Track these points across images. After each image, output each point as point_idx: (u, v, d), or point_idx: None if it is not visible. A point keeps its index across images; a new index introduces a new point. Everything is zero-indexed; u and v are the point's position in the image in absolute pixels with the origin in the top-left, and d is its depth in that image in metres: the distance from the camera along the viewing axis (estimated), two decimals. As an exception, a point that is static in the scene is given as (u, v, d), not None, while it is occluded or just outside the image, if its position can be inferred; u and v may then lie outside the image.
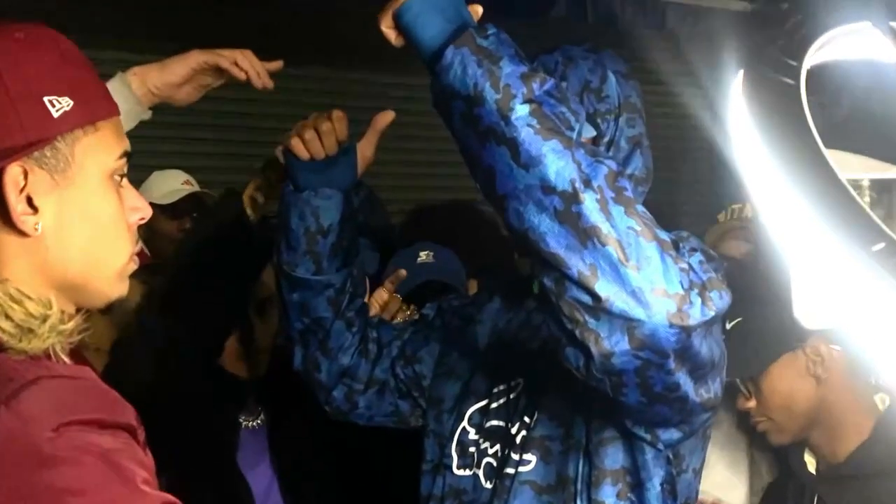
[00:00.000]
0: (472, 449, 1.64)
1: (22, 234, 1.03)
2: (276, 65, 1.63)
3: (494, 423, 1.62)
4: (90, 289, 1.10)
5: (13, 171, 1.02)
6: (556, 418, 1.58)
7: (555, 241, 1.29)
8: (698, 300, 1.31)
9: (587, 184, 1.29)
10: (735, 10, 5.39)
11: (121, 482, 0.92)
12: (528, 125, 1.29)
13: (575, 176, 1.28)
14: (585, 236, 1.27)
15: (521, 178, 1.29)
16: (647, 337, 1.29)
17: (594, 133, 1.53)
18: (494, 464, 1.60)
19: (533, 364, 1.65)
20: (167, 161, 4.15)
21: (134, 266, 1.17)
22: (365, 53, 5.30)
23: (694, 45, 5.95)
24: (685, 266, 1.32)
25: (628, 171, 1.55)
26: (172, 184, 3.83)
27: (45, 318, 1.03)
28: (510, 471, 1.58)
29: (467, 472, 1.64)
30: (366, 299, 1.93)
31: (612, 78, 1.54)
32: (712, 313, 1.32)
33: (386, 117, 1.78)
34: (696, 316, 1.30)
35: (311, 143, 1.70)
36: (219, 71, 1.58)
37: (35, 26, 1.09)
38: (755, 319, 2.11)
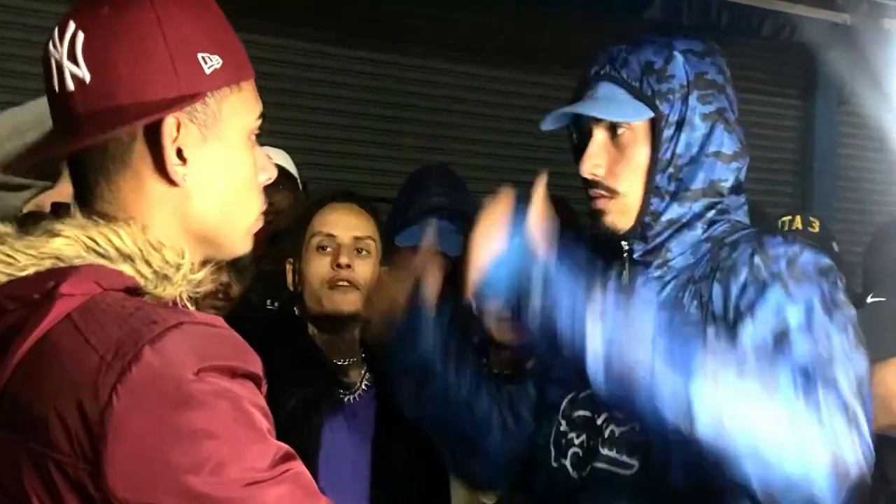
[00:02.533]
0: (563, 441, 1.58)
1: (170, 183, 1.07)
2: None
3: (581, 412, 1.57)
4: (222, 242, 1.13)
5: (169, 122, 1.04)
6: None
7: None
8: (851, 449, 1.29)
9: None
10: (834, 21, 5.31)
11: (250, 429, 0.96)
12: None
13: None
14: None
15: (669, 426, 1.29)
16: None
17: (652, 115, 1.46)
18: (581, 454, 1.54)
19: None
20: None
21: (260, 224, 1.18)
22: (477, 48, 5.31)
23: (790, 54, 5.85)
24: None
25: (712, 148, 1.47)
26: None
27: (178, 267, 1.06)
28: (598, 464, 1.50)
29: (557, 464, 1.58)
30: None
31: (679, 57, 1.46)
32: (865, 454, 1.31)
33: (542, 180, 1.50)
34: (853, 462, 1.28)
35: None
36: None
37: None
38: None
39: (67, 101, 1.04)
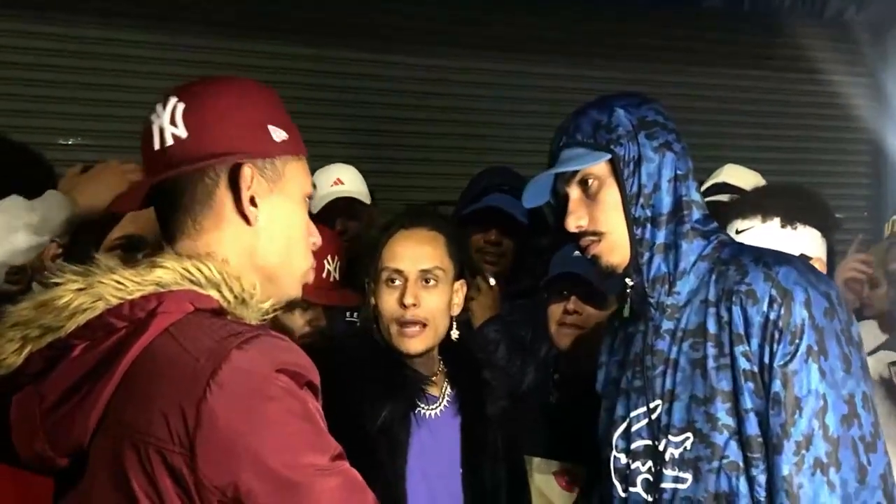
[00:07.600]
0: (627, 472, 1.72)
1: (244, 222, 1.30)
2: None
3: (640, 443, 1.72)
4: (281, 282, 1.34)
5: (245, 170, 1.29)
6: (699, 435, 1.64)
7: None
8: None
9: None
10: (901, -4, 5.20)
11: (316, 426, 1.18)
12: None
13: None
14: None
15: None
16: None
17: (609, 156, 1.68)
18: (651, 479, 1.70)
19: (663, 384, 1.70)
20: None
21: (311, 277, 1.42)
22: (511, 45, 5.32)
23: (857, 33, 5.74)
24: None
25: (669, 174, 1.69)
26: (324, 187, 3.23)
27: (251, 295, 1.28)
28: (666, 485, 1.66)
29: (626, 494, 1.72)
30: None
31: (619, 111, 1.70)
32: None
33: None
34: None
35: None
36: None
37: (256, 81, 1.40)
38: None
39: (167, 153, 1.30)
